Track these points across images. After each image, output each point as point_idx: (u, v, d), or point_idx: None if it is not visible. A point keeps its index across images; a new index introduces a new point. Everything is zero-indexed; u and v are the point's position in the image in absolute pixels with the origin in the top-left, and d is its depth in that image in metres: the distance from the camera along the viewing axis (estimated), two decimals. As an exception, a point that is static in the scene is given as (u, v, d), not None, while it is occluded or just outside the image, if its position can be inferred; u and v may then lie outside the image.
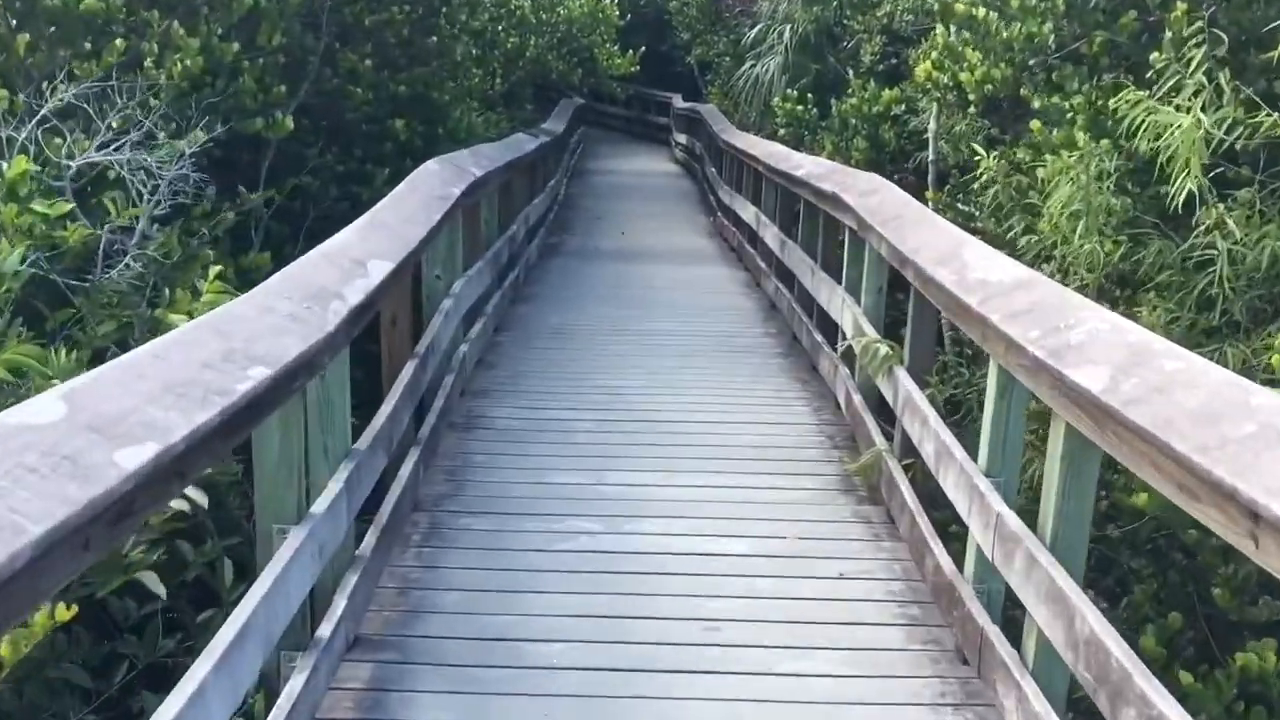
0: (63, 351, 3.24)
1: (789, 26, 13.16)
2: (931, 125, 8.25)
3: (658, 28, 26.71)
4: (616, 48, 13.88)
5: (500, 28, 12.27)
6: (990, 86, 6.63)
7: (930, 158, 8.32)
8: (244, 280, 5.24)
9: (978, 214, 7.12)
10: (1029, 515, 3.27)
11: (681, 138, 21.48)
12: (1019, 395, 3.32)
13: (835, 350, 6.04)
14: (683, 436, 5.50)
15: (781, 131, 11.58)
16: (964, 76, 6.74)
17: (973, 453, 3.55)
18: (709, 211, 15.11)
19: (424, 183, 5.06)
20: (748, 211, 10.45)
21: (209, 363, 2.27)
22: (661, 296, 9.33)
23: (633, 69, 13.87)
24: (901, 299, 6.67)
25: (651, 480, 4.94)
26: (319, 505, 3.00)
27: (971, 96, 6.75)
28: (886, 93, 10.45)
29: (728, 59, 20.44)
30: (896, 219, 4.67)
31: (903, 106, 10.88)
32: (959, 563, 3.74)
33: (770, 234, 8.76)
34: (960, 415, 4.88)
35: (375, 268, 3.49)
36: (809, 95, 11.55)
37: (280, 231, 8.16)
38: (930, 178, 8.31)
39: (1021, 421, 3.39)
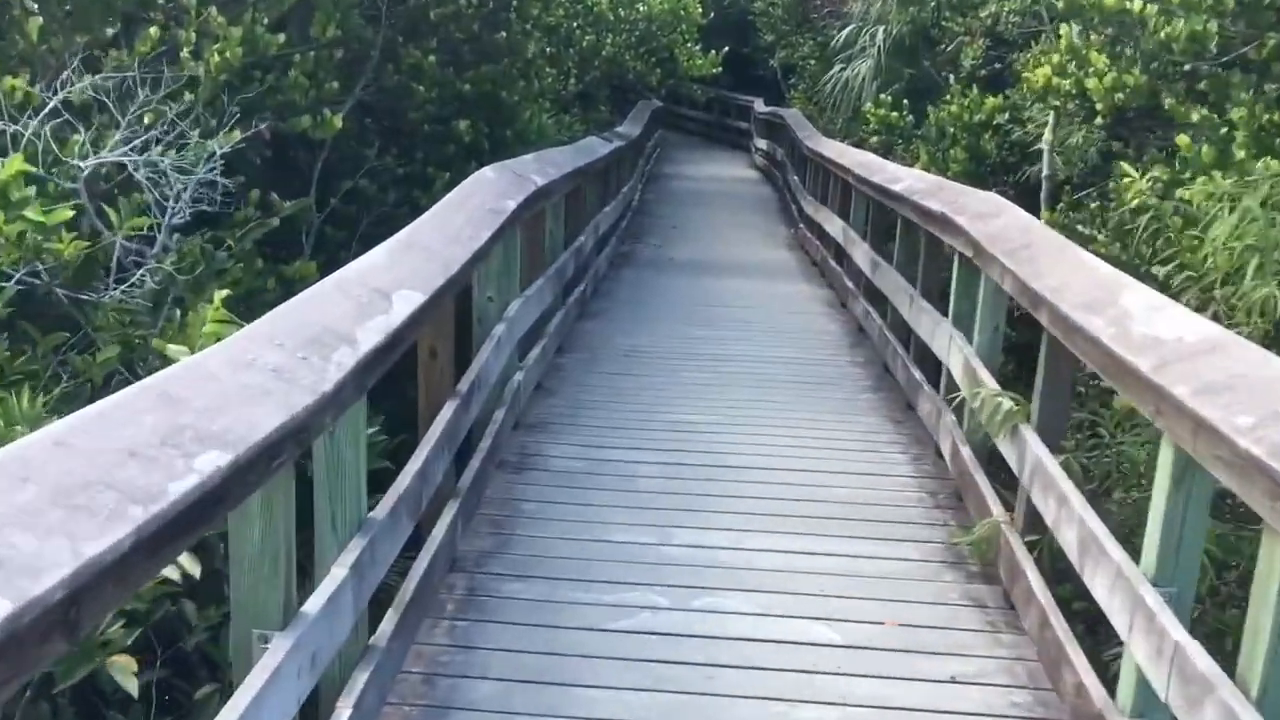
0: (24, 395, 2.67)
1: (882, 28, 12.40)
2: (1047, 137, 7.47)
3: (740, 30, 26.02)
4: (698, 48, 13.19)
5: (575, 25, 11.68)
6: (1122, 95, 5.86)
7: (1044, 172, 7.53)
8: (288, 292, 4.70)
9: (1099, 236, 6.35)
10: (1211, 642, 2.56)
11: (762, 143, 20.76)
12: (1201, 487, 2.61)
13: (938, 390, 5.32)
14: (760, 487, 4.82)
15: (873, 140, 10.83)
16: (1091, 83, 5.97)
17: (1130, 547, 2.84)
18: (790, 222, 14.39)
19: (476, 193, 4.45)
20: (834, 225, 9.73)
21: (138, 449, 1.67)
22: (738, 315, 8.66)
23: (715, 70, 13.17)
24: (1012, 333, 5.98)
25: (724, 541, 4.28)
26: (313, 603, 2.40)
27: (1099, 106, 5.98)
28: (990, 100, 9.66)
29: (813, 62, 19.70)
30: (1025, 249, 3.95)
31: (1006, 115, 10.09)
32: (1102, 675, 3.04)
33: (860, 252, 8.05)
34: (1097, 485, 4.14)
35: (402, 300, 2.88)
36: (903, 101, 10.77)
37: (335, 237, 7.67)
38: (1043, 195, 7.53)
39: (1204, 522, 2.68)
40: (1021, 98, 9.69)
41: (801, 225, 12.71)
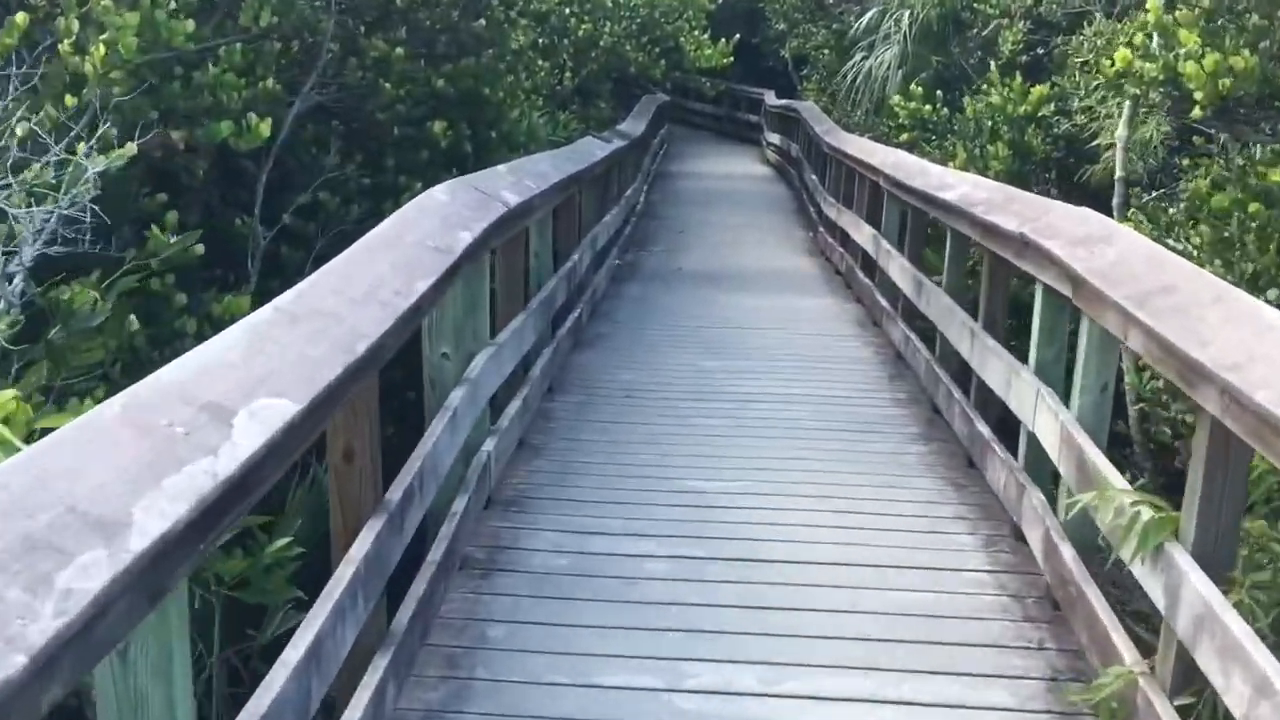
0: None
1: (907, 12, 11.29)
2: (1121, 132, 6.35)
3: (749, 19, 24.90)
4: (706, 36, 12.07)
5: (569, 11, 10.59)
6: (1228, 80, 4.77)
7: (1117, 173, 6.42)
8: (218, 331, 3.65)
9: (1193, 251, 5.26)
10: None
11: (774, 138, 19.66)
12: None
13: (1014, 452, 4.25)
14: (797, 593, 3.75)
15: (903, 136, 9.73)
16: (1188, 68, 4.88)
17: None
18: (807, 224, 13.30)
19: (416, 225, 3.38)
20: (862, 232, 8.64)
21: None
22: (757, 340, 7.58)
23: (725, 61, 12.07)
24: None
25: (752, 683, 3.21)
26: None
27: (1198, 94, 4.88)
28: (1036, 89, 8.56)
29: (828, 52, 18.59)
30: (1166, 294, 2.86)
31: (1051, 106, 8.99)
32: None
33: (896, 267, 6.96)
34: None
35: (252, 421, 1.82)
36: (936, 92, 9.66)
37: (292, 259, 6.63)
38: (1116, 200, 6.42)
39: None
40: (1073, 85, 8.59)
41: (821, 229, 11.62)
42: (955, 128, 9.16)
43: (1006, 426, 4.60)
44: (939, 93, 9.48)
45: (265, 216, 6.64)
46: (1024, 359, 4.24)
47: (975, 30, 10.70)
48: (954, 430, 5.23)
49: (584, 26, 10.41)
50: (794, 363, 6.92)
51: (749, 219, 13.91)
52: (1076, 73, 8.58)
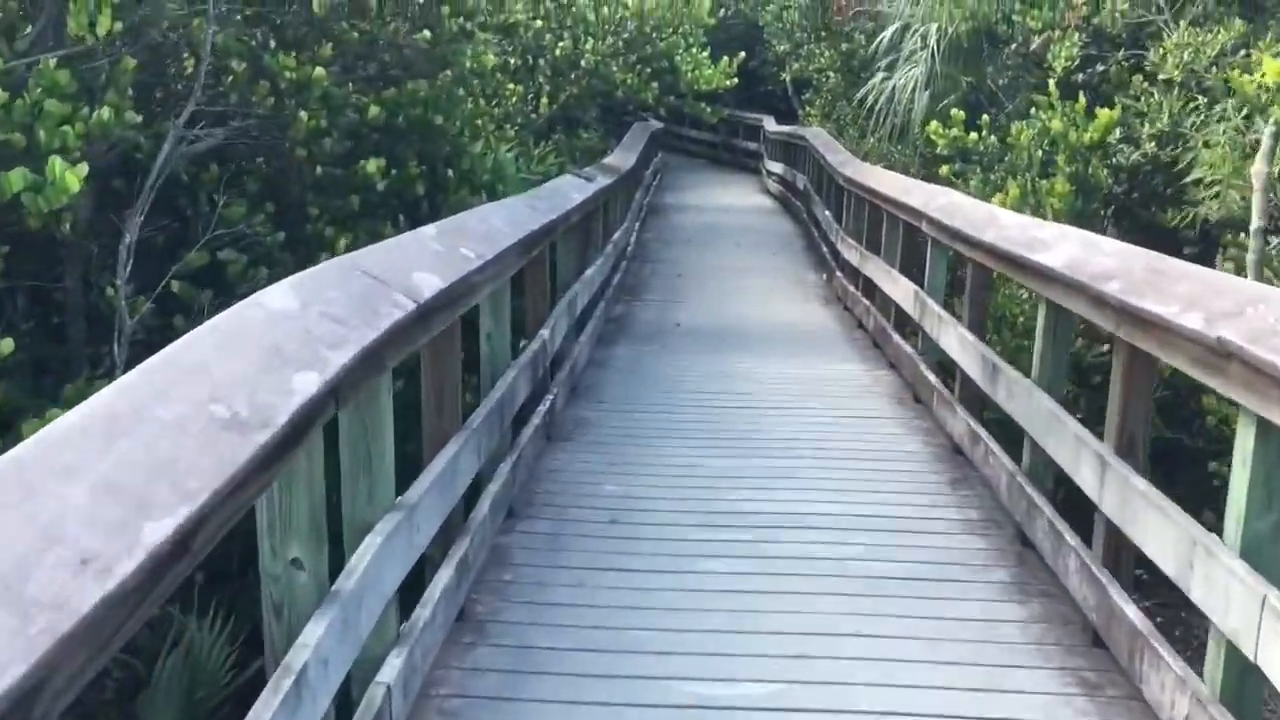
0: None
1: (934, 26, 9.88)
2: (1260, 167, 4.84)
3: (746, 41, 23.56)
4: (705, 54, 10.61)
5: (543, 25, 9.14)
6: None
7: (1254, 220, 4.92)
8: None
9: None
10: None
11: (776, 167, 18.27)
12: None
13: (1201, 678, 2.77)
14: None
15: (943, 169, 8.27)
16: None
17: None
18: (819, 265, 11.86)
19: (209, 366, 1.86)
20: (897, 287, 7.18)
21: None
22: (775, 426, 6.08)
23: (728, 83, 10.62)
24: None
25: None
26: None
27: None
28: (1103, 113, 7.11)
29: (833, 75, 17.22)
30: None
31: (1117, 133, 7.55)
32: None
33: (955, 339, 5.49)
34: None
35: None
36: (982, 117, 8.20)
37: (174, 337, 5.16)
38: (1253, 255, 4.92)
39: None
40: (1151, 107, 7.16)
41: (838, 273, 10.17)
42: (1005, 158, 7.70)
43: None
44: (984, 117, 8.03)
45: (148, 282, 5.21)
46: (1197, 504, 2.77)
47: (1014, 46, 9.28)
48: (1066, 586, 3.73)
49: (561, 44, 8.98)
50: (825, 462, 5.42)
51: (753, 260, 12.47)
52: (1154, 92, 7.15)
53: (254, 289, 5.00)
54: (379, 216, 6.07)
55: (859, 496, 4.91)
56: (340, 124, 5.58)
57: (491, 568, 3.98)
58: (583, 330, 7.18)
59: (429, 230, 3.45)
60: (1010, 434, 6.01)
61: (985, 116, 8.02)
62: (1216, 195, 5.74)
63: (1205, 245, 8.04)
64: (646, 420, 6.13)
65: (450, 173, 6.67)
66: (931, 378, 6.09)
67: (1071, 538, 3.68)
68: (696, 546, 4.31)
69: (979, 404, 5.47)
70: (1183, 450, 7.18)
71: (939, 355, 6.31)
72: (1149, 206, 8.09)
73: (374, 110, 5.59)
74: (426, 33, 5.84)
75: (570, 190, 6.38)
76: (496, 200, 7.11)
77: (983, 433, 4.97)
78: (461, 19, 6.09)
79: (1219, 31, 6.37)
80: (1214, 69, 6.30)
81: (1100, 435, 3.55)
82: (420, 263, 2.97)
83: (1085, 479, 3.54)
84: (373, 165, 5.55)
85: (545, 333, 5.26)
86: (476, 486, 3.99)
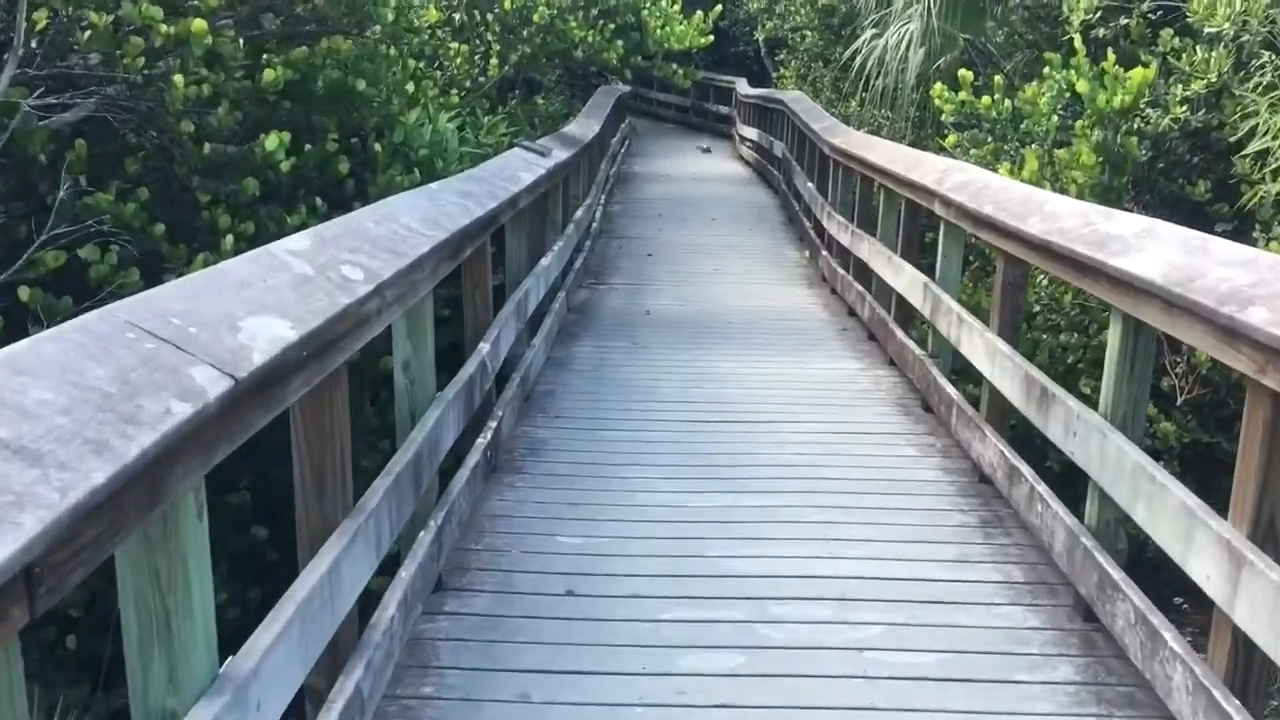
0: None
1: (930, -24, 8.87)
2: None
3: (716, -1, 22.51)
4: (676, 8, 9.51)
5: None
6: None
7: None
8: None
9: None
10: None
11: (750, 133, 17.25)
12: None
13: None
14: None
15: (950, 140, 7.27)
16: None
17: None
18: (799, 240, 10.90)
19: None
20: (900, 276, 6.23)
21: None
22: (766, 445, 5.13)
23: (704, 41, 9.53)
24: None
25: None
26: None
27: None
28: (1137, 72, 6.15)
29: (810, 33, 16.23)
30: None
31: (1146, 97, 6.59)
32: None
33: (984, 348, 4.54)
34: None
35: None
36: (994, 79, 7.19)
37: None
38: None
39: None
40: (1194, 66, 6.22)
41: (824, 252, 9.20)
42: (1021, 125, 6.71)
43: None
44: (996, 78, 7.03)
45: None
46: None
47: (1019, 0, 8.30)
48: (1164, 700, 2.81)
49: (511, -1, 7.90)
50: (827, 497, 4.47)
51: (730, 236, 11.47)
52: (1195, 48, 6.20)
53: (127, 292, 4.00)
54: (292, 199, 5.04)
55: (873, 549, 3.97)
56: (232, 90, 4.53)
57: (407, 677, 3.02)
58: (539, 329, 6.19)
59: (295, 242, 2.44)
60: (1043, 453, 5.13)
61: (998, 78, 7.02)
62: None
63: (1241, 222, 7.15)
64: (612, 442, 5.15)
65: (379, 147, 5.64)
66: (949, 390, 5.15)
67: (1176, 641, 2.76)
68: (674, 632, 3.36)
69: (1007, 420, 4.56)
70: (1221, 457, 6.32)
71: (954, 359, 5.39)
72: (1175, 178, 7.17)
73: (271, 74, 4.55)
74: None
75: (519, 169, 5.36)
76: (437, 180, 6.10)
77: (1025, 469, 4.03)
78: (382, -39, 5.06)
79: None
80: (1275, 21, 5.36)
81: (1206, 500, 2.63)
82: (261, 301, 1.98)
83: (1201, 569, 2.61)
84: (273, 140, 4.52)
85: (485, 347, 4.26)
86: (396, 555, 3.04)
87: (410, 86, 5.61)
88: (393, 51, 5.90)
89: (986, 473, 4.50)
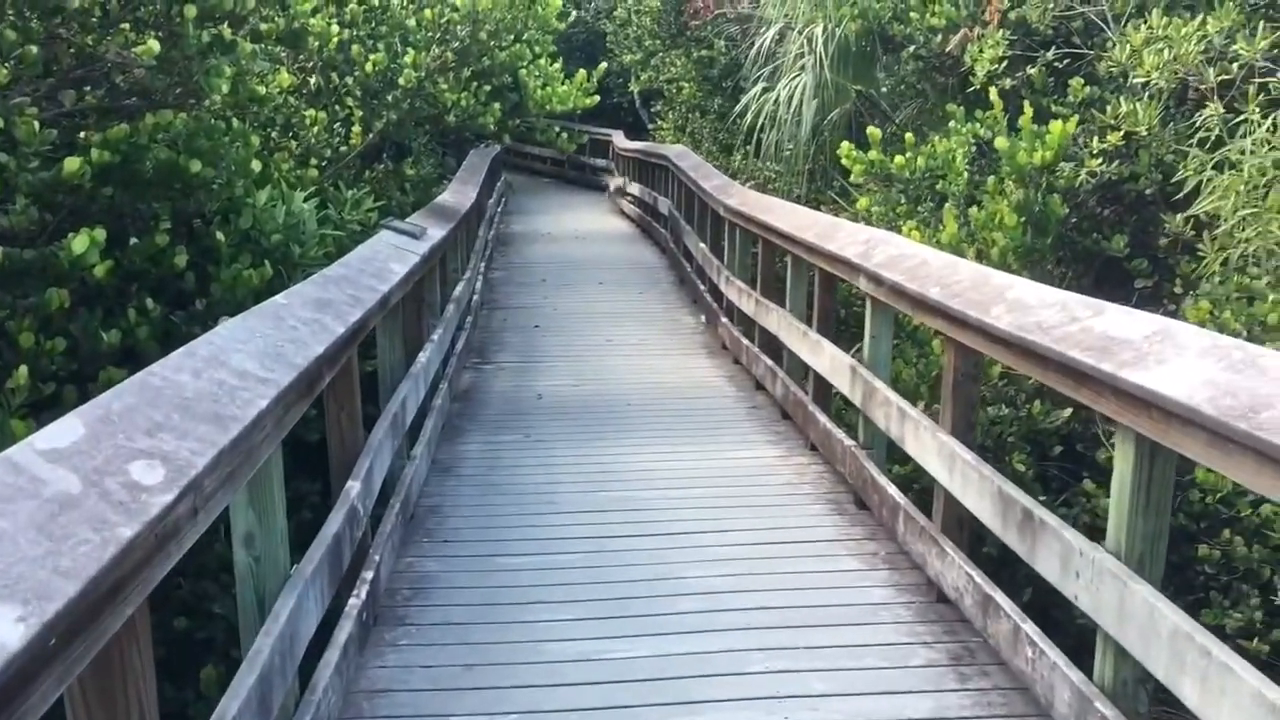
0: None
1: (820, 28, 8.44)
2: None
3: (587, 49, 22.11)
4: (557, 66, 8.85)
5: (346, 32, 7.22)
6: None
7: None
8: None
9: None
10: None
11: (633, 188, 16.75)
12: None
13: None
14: None
15: (865, 204, 6.76)
16: None
17: None
18: (697, 305, 10.33)
19: None
20: (820, 355, 5.67)
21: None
22: (686, 573, 4.42)
23: (588, 102, 8.89)
24: None
25: None
26: None
27: None
28: (1056, 126, 5.74)
29: (687, 85, 15.84)
30: None
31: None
32: None
33: (935, 448, 3.96)
34: None
35: None
36: (908, 138, 6.73)
37: None
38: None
39: None
40: (1119, 116, 5.83)
41: (724, 319, 8.64)
42: (940, 185, 6.24)
43: None
44: (908, 135, 6.56)
45: None
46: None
47: (913, 48, 7.91)
48: None
49: (374, 57, 7.10)
50: (775, 639, 3.80)
51: (620, 301, 10.85)
52: (1119, 98, 5.82)
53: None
54: (109, 309, 4.21)
55: (833, 708, 3.32)
56: (25, 183, 3.70)
57: None
58: (420, 434, 5.43)
59: (56, 435, 1.66)
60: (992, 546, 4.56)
61: (909, 135, 6.56)
62: (1241, 228, 4.39)
63: (1160, 274, 6.82)
64: (511, 571, 4.41)
65: (221, 236, 4.84)
66: (892, 492, 4.56)
67: None
68: None
69: (967, 529, 3.98)
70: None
71: (892, 447, 4.83)
72: (1089, 233, 6.82)
73: (72, 165, 3.72)
74: (153, 45, 4.00)
75: (389, 259, 4.61)
76: (295, 268, 5.32)
77: (1004, 602, 3.43)
78: (212, 26, 4.25)
79: (1204, 21, 5.07)
80: (1210, 65, 4.98)
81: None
82: None
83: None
84: (81, 241, 3.69)
85: (355, 487, 3.49)
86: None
87: (256, 165, 4.82)
88: (237, 124, 5.11)
89: (949, 595, 3.90)
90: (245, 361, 2.42)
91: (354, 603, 3.45)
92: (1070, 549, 2.92)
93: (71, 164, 3.71)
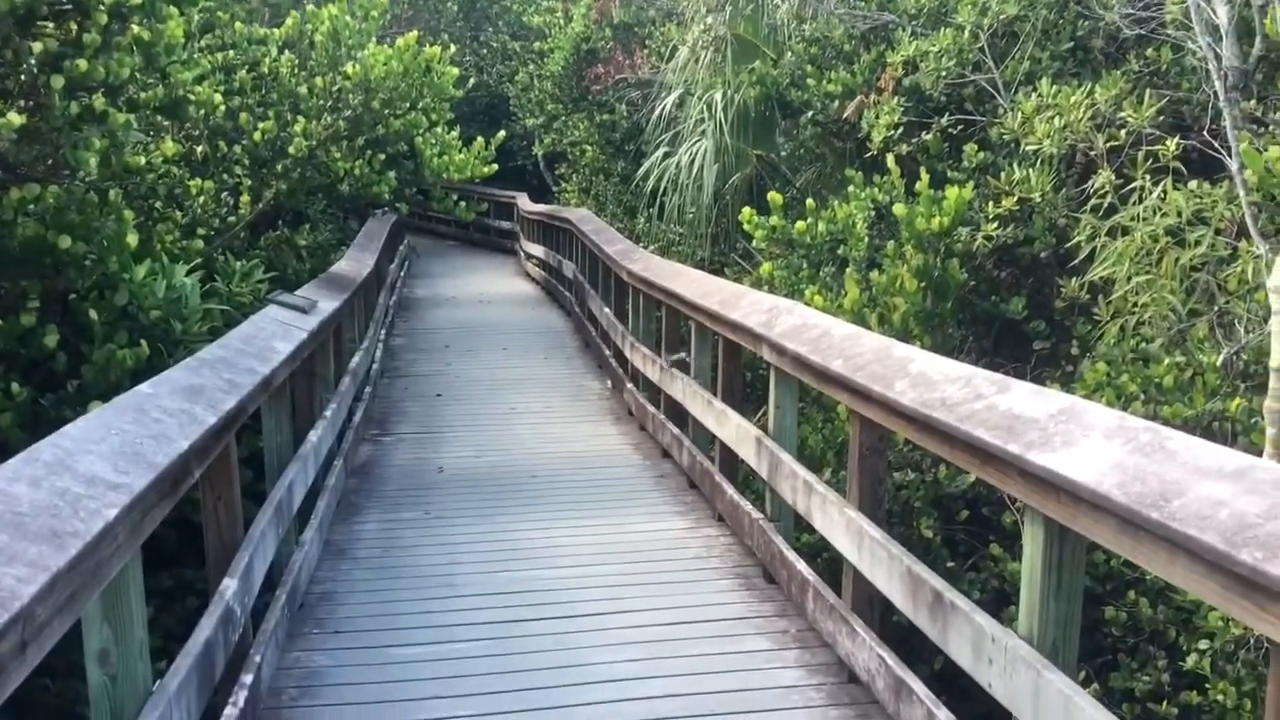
0: None
1: (719, 94, 8.49)
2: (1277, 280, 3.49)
3: (492, 115, 22.05)
4: (454, 134, 8.74)
5: (239, 102, 6.99)
6: None
7: (1274, 360, 3.53)
8: None
9: None
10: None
11: (537, 250, 16.65)
12: None
13: None
14: None
15: (769, 269, 6.73)
16: None
17: None
18: (602, 370, 10.22)
19: None
20: (725, 424, 5.58)
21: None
22: (590, 647, 4.28)
23: (486, 171, 8.79)
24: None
25: None
26: None
27: None
28: (952, 192, 5.80)
29: (590, 148, 15.87)
30: None
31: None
32: None
33: (843, 524, 3.86)
34: None
35: None
36: (809, 204, 6.74)
37: None
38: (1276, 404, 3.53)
39: None
40: (1005, 180, 5.91)
41: (630, 385, 8.53)
42: (843, 252, 6.25)
43: None
44: (809, 201, 6.58)
45: None
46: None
47: (810, 114, 7.98)
48: None
49: (263, 125, 6.89)
50: (680, 727, 3.65)
51: (524, 367, 10.68)
52: (1011, 164, 5.90)
53: None
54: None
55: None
56: None
57: None
58: (311, 516, 5.17)
59: None
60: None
61: (810, 200, 6.58)
62: (1136, 292, 4.43)
63: (1057, 336, 6.91)
64: (408, 664, 4.18)
65: (94, 314, 4.58)
66: (801, 568, 4.45)
67: None
68: None
69: (877, 606, 3.89)
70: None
71: (794, 520, 4.73)
72: (987, 295, 6.89)
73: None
74: (13, 118, 3.76)
75: (273, 337, 4.39)
76: (174, 346, 5.06)
77: (917, 686, 3.33)
78: (85, 95, 4.04)
79: (1093, 89, 5.18)
80: (1099, 132, 5.07)
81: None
82: None
83: None
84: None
85: (231, 586, 3.25)
86: None
87: (133, 238, 4.58)
88: (114, 196, 4.87)
89: (860, 677, 3.79)
90: (95, 465, 2.21)
91: (230, 712, 3.20)
92: (982, 634, 2.83)
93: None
